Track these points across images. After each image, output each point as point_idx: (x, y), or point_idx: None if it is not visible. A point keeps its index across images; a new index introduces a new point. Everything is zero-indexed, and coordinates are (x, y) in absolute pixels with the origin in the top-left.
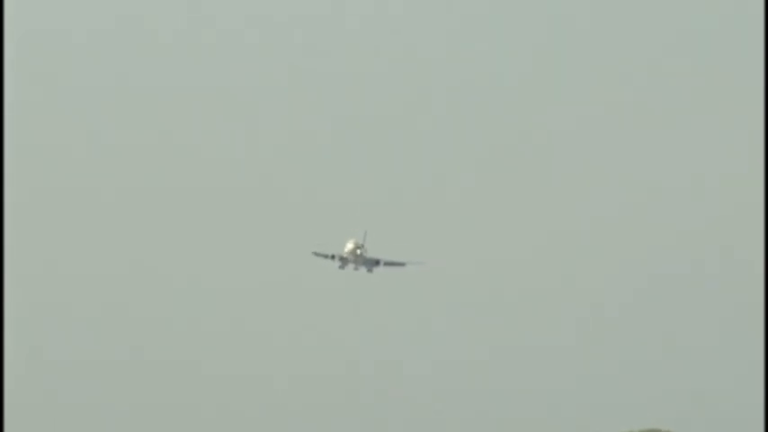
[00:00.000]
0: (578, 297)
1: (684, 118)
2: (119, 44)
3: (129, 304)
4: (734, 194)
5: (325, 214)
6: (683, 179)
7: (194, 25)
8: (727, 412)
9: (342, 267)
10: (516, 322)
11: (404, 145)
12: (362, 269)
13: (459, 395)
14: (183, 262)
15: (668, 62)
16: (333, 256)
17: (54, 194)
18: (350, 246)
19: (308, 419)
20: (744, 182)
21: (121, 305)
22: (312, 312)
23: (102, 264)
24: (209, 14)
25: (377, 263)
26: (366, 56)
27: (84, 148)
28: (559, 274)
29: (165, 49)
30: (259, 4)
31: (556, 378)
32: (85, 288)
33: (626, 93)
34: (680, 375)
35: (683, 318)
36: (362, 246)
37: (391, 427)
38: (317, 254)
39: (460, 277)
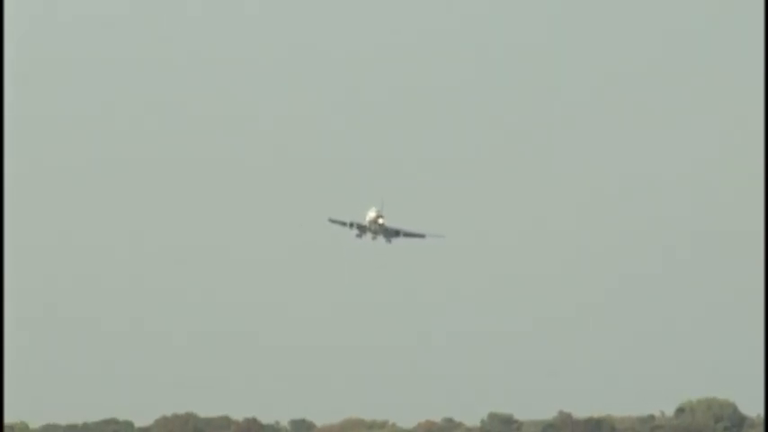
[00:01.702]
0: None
1: (684, 118)
2: (119, 43)
3: (150, 277)
4: (734, 193)
5: (342, 183)
6: (684, 177)
7: (195, 24)
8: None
9: (359, 236)
10: (550, 292)
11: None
12: (380, 239)
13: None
14: (204, 233)
15: (668, 62)
16: (351, 224)
17: (55, 193)
18: (372, 214)
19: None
20: (744, 181)
21: (143, 276)
22: (328, 280)
23: (127, 238)
24: (210, 14)
25: (397, 233)
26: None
27: (88, 140)
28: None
29: (166, 48)
30: (259, 3)
31: (612, 349)
32: (109, 263)
33: (626, 92)
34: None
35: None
36: (383, 215)
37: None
38: (333, 221)
39: (473, 251)
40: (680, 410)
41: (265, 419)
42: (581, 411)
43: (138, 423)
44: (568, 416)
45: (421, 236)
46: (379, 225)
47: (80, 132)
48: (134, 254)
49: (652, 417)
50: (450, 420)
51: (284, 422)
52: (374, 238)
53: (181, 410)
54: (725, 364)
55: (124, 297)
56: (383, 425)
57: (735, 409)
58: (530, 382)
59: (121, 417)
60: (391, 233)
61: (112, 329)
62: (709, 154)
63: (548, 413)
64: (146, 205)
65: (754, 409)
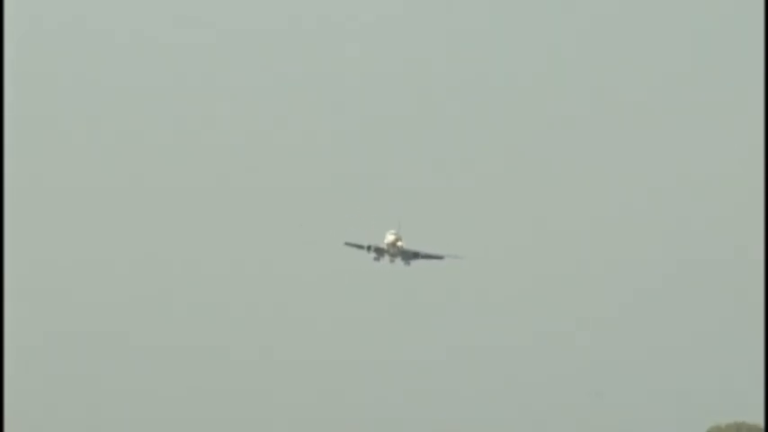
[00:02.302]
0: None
1: (684, 118)
2: (119, 43)
3: (166, 296)
4: (734, 194)
5: (353, 207)
6: (684, 178)
7: (196, 25)
8: None
9: (377, 259)
10: (570, 313)
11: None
12: (398, 261)
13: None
14: (216, 254)
15: (668, 62)
16: (369, 248)
17: (55, 194)
18: (390, 237)
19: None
20: (744, 181)
21: (163, 296)
22: (345, 302)
23: (152, 259)
24: (211, 14)
25: (415, 255)
26: (384, 53)
27: (99, 147)
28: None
29: (169, 47)
30: (260, 4)
31: (638, 373)
32: (121, 278)
33: (628, 92)
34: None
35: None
36: (401, 238)
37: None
38: (349, 244)
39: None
40: None
41: None
42: None
43: None
44: None
45: (439, 257)
46: (398, 248)
47: (80, 133)
48: (152, 272)
49: None
50: None
51: None
52: (392, 261)
53: None
54: (754, 388)
55: (137, 314)
56: None
57: None
58: (555, 406)
59: None
60: (410, 255)
61: (121, 345)
62: (710, 154)
63: None
64: (158, 222)
65: None
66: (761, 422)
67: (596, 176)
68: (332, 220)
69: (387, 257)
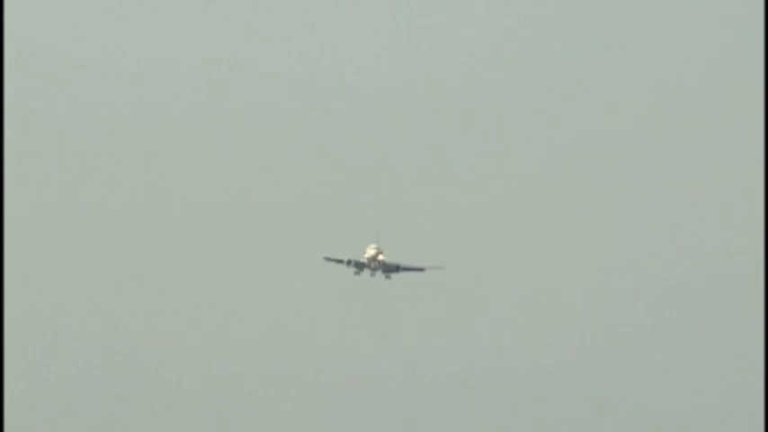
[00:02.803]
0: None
1: (685, 119)
2: (119, 43)
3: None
4: (734, 195)
5: (331, 219)
6: (685, 180)
7: (196, 25)
8: None
9: (357, 273)
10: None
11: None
12: (379, 275)
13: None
14: (191, 268)
15: (668, 63)
16: (348, 262)
17: (55, 193)
18: (371, 251)
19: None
20: (744, 183)
21: (134, 313)
22: (325, 316)
23: (124, 274)
24: (211, 15)
25: (396, 268)
26: (369, 55)
27: (88, 151)
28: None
29: (169, 50)
30: (258, 4)
31: (632, 392)
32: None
33: (628, 93)
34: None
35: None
36: (382, 251)
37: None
38: (329, 259)
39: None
40: None
41: None
42: None
43: None
44: None
45: (420, 269)
46: (379, 262)
47: (80, 133)
48: (152, 273)
49: None
50: None
51: None
52: (373, 275)
53: None
54: (751, 402)
55: (135, 315)
56: None
57: None
58: (553, 409)
59: None
60: (391, 268)
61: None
62: (710, 157)
63: None
64: (157, 223)
65: None
66: None
67: (596, 177)
68: (319, 228)
69: (367, 271)
